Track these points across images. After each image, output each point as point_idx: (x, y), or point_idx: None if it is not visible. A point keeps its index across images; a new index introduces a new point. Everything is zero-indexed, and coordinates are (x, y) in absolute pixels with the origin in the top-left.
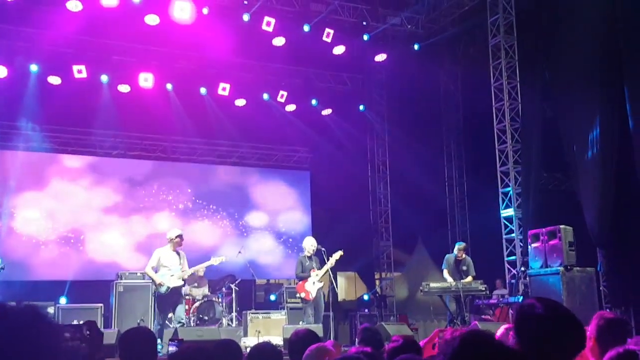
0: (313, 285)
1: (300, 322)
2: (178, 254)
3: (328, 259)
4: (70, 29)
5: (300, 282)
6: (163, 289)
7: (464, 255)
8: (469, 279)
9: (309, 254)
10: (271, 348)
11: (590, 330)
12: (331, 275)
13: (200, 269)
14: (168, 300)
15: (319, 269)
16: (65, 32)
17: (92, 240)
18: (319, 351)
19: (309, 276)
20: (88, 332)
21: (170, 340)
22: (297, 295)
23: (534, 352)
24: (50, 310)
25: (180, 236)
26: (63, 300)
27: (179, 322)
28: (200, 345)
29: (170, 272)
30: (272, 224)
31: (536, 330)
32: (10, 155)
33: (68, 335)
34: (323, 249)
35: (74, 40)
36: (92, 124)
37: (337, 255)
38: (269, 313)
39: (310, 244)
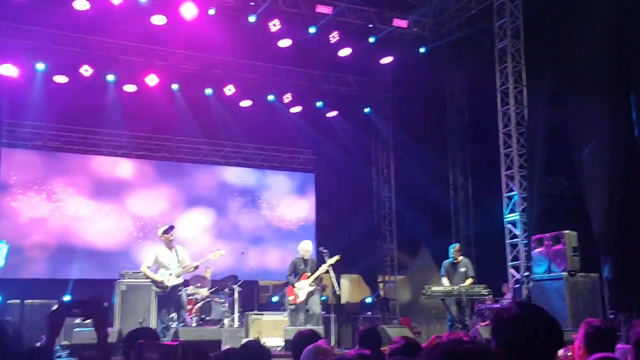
0: (302, 289)
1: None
2: (176, 251)
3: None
4: (77, 28)
5: (290, 285)
6: (162, 289)
7: (460, 257)
8: (469, 281)
9: (304, 258)
10: (259, 346)
11: (578, 338)
12: (333, 278)
13: (202, 262)
14: (170, 299)
15: (313, 272)
16: (72, 31)
17: (95, 239)
18: (316, 351)
19: (296, 282)
20: (94, 309)
21: (171, 340)
22: (287, 297)
23: (513, 354)
24: (54, 308)
25: (167, 231)
26: (66, 299)
27: (181, 323)
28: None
29: (169, 271)
30: (276, 226)
31: (512, 332)
32: (15, 153)
33: (76, 310)
34: (325, 250)
35: (80, 40)
36: (97, 123)
37: (333, 260)
38: (271, 314)
39: (305, 248)
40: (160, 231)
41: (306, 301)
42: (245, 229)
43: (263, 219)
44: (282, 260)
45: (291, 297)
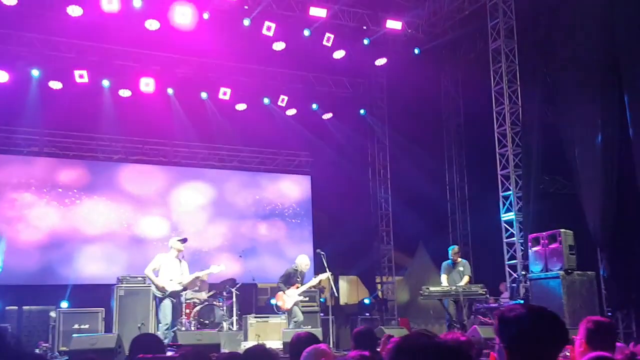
0: (290, 297)
1: (301, 326)
2: (180, 261)
3: (325, 265)
4: (72, 33)
5: (280, 292)
6: (162, 293)
7: (459, 258)
8: (466, 279)
9: (300, 270)
10: (264, 350)
11: (579, 335)
12: (331, 280)
13: (201, 275)
14: (168, 304)
15: (302, 284)
16: (66, 37)
17: (92, 244)
18: (316, 353)
19: (287, 290)
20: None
21: (168, 346)
22: (274, 302)
23: (518, 352)
24: (52, 314)
25: (181, 241)
26: (64, 305)
27: (174, 327)
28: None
29: (170, 277)
30: (273, 228)
31: (517, 331)
32: (12, 159)
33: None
34: (323, 252)
35: (75, 45)
36: (93, 128)
37: (324, 276)
38: (269, 317)
39: (305, 262)
40: (174, 239)
41: (292, 309)
42: (241, 231)
43: (259, 221)
44: (279, 262)
45: (280, 302)
